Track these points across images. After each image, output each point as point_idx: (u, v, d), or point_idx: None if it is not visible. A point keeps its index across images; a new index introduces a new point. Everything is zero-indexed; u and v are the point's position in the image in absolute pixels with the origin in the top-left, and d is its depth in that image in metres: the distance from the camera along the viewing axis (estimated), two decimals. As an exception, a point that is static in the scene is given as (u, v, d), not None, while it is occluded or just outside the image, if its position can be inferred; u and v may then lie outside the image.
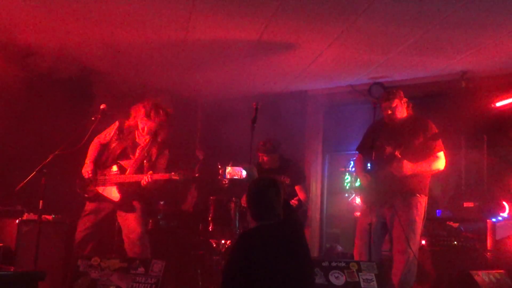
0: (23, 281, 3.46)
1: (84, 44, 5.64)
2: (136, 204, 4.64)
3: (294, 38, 5.29)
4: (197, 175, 4.59)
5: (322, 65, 6.08)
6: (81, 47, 5.74)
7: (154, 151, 4.68)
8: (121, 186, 4.62)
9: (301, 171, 5.83)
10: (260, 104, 4.60)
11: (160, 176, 4.52)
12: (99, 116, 4.61)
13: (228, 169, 5.56)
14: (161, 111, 4.73)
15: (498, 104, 5.77)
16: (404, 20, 4.72)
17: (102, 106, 4.64)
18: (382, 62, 5.89)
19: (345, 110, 6.96)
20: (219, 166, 5.60)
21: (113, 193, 4.62)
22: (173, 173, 4.51)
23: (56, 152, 4.39)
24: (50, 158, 4.35)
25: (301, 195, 5.58)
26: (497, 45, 5.17)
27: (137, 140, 4.76)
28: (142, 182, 4.50)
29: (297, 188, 5.60)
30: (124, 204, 4.64)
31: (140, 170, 4.64)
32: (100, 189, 4.65)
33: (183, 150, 7.12)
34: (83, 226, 4.62)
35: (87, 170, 4.68)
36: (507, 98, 5.72)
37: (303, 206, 5.67)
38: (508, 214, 5.26)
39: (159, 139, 4.76)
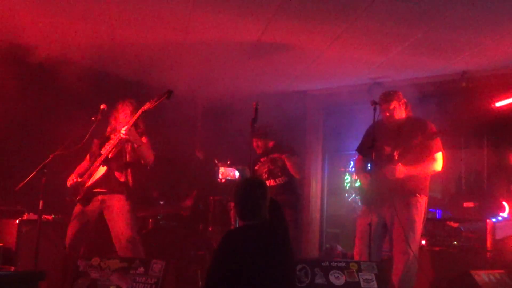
0: (23, 281, 3.46)
1: (84, 44, 5.64)
2: (125, 205, 4.57)
3: (294, 38, 5.29)
4: (166, 95, 4.45)
5: (322, 65, 6.08)
6: (81, 47, 5.73)
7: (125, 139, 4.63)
8: (104, 162, 4.60)
9: (291, 147, 5.68)
10: (260, 104, 4.60)
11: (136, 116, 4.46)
12: (99, 116, 4.61)
13: (221, 170, 5.58)
14: (131, 106, 4.73)
15: (498, 104, 5.77)
16: (404, 20, 4.73)
17: (102, 106, 4.64)
18: (382, 62, 5.89)
19: (345, 110, 6.96)
20: (216, 162, 5.61)
21: (100, 171, 4.60)
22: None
23: (56, 152, 4.39)
24: (50, 158, 4.35)
25: (290, 166, 5.43)
26: (497, 45, 5.17)
27: (111, 137, 4.75)
28: (122, 134, 4.42)
29: (285, 158, 5.44)
30: (111, 182, 4.58)
31: (121, 153, 4.62)
32: (88, 183, 4.63)
33: (183, 150, 7.13)
34: (72, 230, 4.58)
35: (71, 178, 4.69)
36: (507, 98, 5.72)
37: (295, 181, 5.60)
38: (508, 214, 5.27)
39: (138, 131, 4.72)
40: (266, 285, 3.06)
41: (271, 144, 5.66)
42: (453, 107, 5.99)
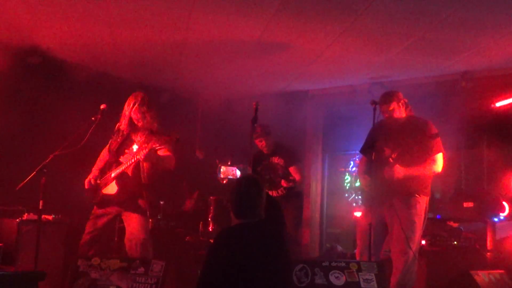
0: (23, 281, 3.46)
1: (84, 44, 5.65)
2: (139, 207, 4.55)
3: (294, 38, 5.29)
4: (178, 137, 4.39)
5: (322, 65, 6.08)
6: (81, 47, 5.74)
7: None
8: (118, 179, 4.55)
9: (293, 152, 5.87)
10: (260, 104, 4.60)
11: (154, 143, 4.32)
12: (99, 116, 4.60)
13: (222, 168, 5.56)
14: (151, 104, 4.69)
15: (498, 104, 5.77)
16: (404, 20, 4.72)
17: (102, 106, 4.63)
18: (382, 62, 5.89)
19: (345, 110, 6.97)
20: (217, 162, 5.61)
21: (112, 188, 4.56)
22: (167, 137, 4.37)
23: (56, 152, 4.39)
24: (50, 158, 4.34)
25: (296, 176, 5.58)
26: (497, 45, 5.17)
27: (132, 137, 4.73)
28: (140, 157, 4.35)
29: (291, 169, 5.62)
30: (124, 201, 4.54)
31: (137, 165, 4.57)
32: (104, 190, 4.60)
33: (183, 150, 7.13)
34: (89, 228, 4.57)
35: (89, 178, 4.65)
36: (507, 98, 5.72)
37: (297, 187, 5.72)
38: (508, 214, 5.26)
39: (155, 133, 4.69)
40: (259, 283, 3.06)
41: (272, 145, 5.74)
42: (453, 107, 5.99)
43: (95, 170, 4.73)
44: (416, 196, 4.34)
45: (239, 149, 5.68)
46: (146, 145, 4.37)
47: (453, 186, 6.13)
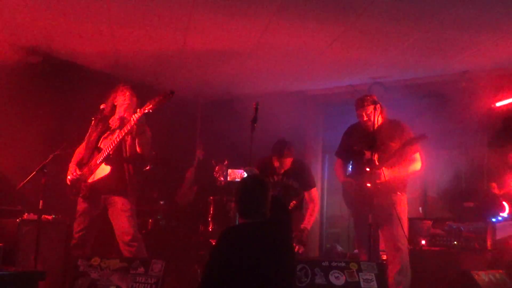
0: (23, 281, 3.47)
1: (84, 44, 5.65)
2: (126, 203, 4.53)
3: (294, 38, 5.29)
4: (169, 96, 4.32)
5: (322, 65, 6.08)
6: (81, 47, 5.74)
7: (134, 128, 4.46)
8: (107, 160, 4.48)
9: (311, 176, 5.35)
10: (260, 104, 4.60)
11: (147, 107, 4.29)
12: (99, 116, 4.60)
13: (229, 171, 5.53)
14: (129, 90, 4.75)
15: (498, 104, 5.78)
16: (404, 20, 4.73)
17: (102, 106, 4.63)
18: (382, 62, 5.89)
19: (345, 110, 6.95)
20: (214, 163, 5.58)
21: (103, 170, 4.49)
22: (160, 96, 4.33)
23: (56, 152, 4.39)
24: (50, 158, 4.35)
25: (309, 201, 5.23)
26: (497, 45, 5.17)
27: (111, 124, 4.66)
28: (132, 121, 4.32)
29: (306, 194, 5.23)
30: (115, 183, 4.50)
31: (120, 147, 4.53)
32: (91, 179, 4.53)
33: (183, 150, 7.13)
34: (78, 227, 4.55)
35: (71, 172, 4.59)
36: (507, 98, 5.73)
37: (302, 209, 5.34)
38: (508, 214, 5.27)
39: (135, 119, 4.62)
40: (262, 283, 3.06)
41: (288, 164, 5.16)
42: (453, 107, 6.00)
43: (71, 165, 4.64)
44: (398, 194, 4.49)
45: (239, 149, 5.68)
46: (138, 110, 4.33)
47: (453, 186, 6.13)
